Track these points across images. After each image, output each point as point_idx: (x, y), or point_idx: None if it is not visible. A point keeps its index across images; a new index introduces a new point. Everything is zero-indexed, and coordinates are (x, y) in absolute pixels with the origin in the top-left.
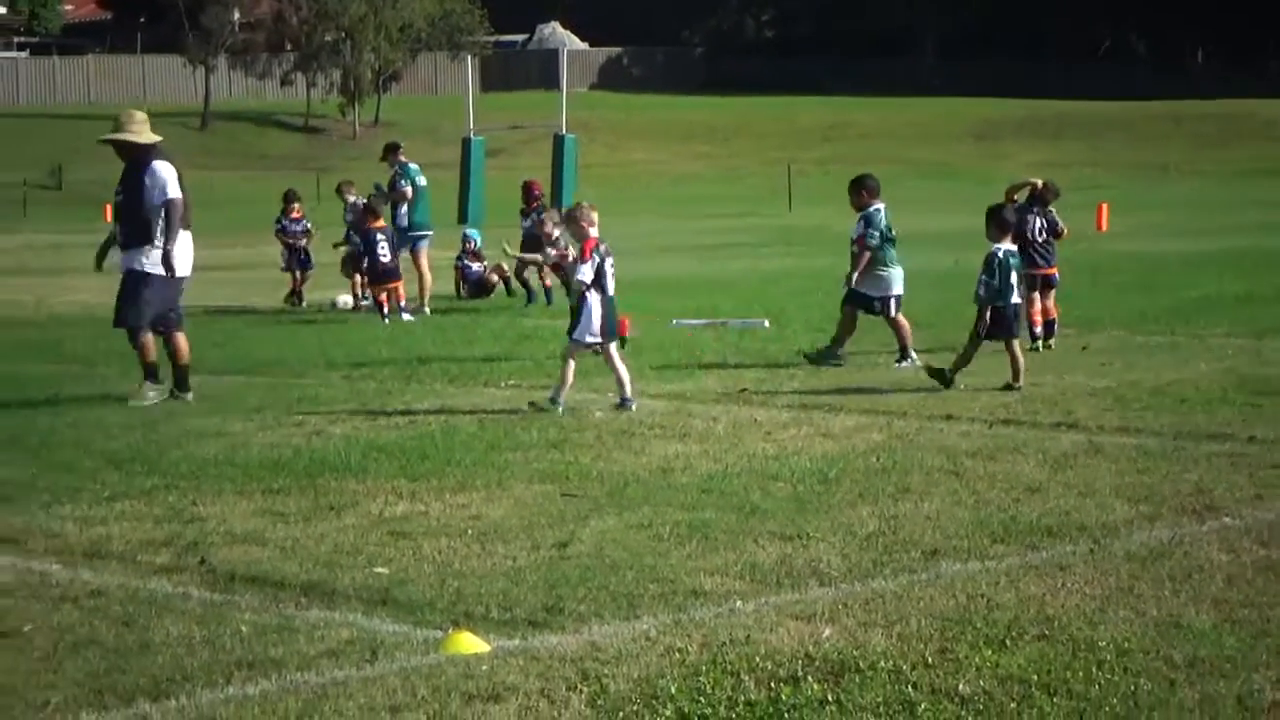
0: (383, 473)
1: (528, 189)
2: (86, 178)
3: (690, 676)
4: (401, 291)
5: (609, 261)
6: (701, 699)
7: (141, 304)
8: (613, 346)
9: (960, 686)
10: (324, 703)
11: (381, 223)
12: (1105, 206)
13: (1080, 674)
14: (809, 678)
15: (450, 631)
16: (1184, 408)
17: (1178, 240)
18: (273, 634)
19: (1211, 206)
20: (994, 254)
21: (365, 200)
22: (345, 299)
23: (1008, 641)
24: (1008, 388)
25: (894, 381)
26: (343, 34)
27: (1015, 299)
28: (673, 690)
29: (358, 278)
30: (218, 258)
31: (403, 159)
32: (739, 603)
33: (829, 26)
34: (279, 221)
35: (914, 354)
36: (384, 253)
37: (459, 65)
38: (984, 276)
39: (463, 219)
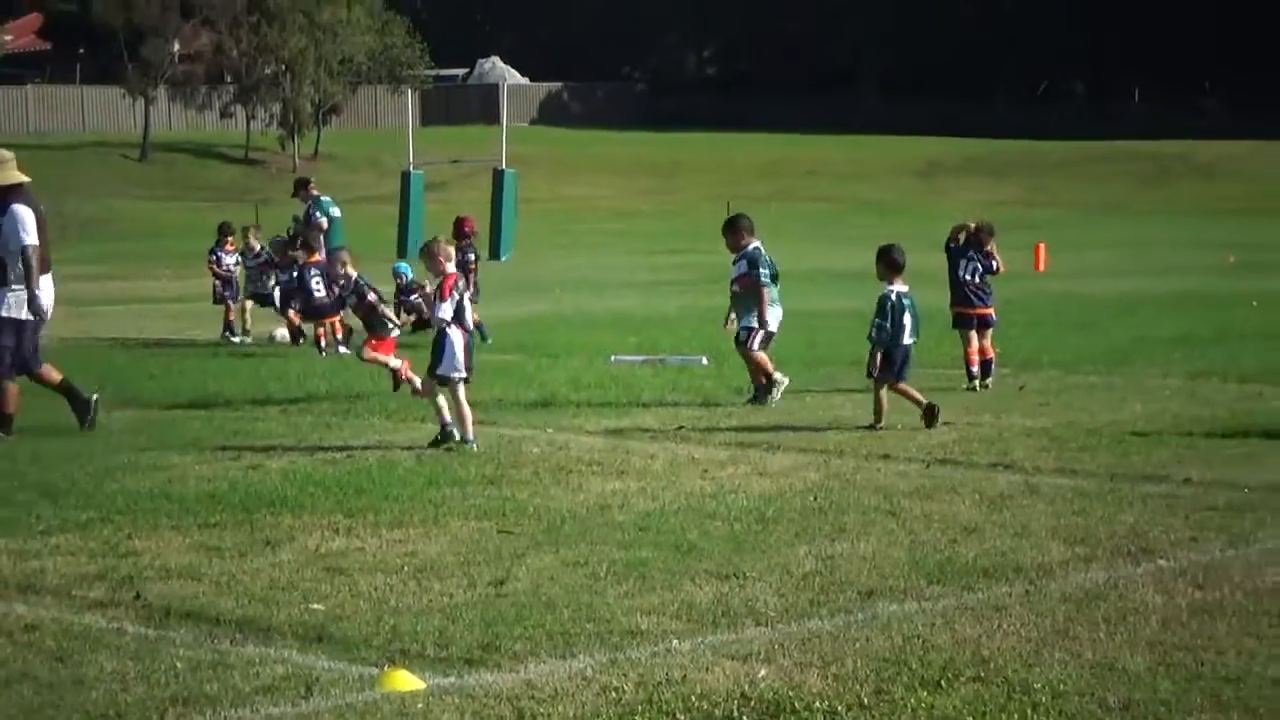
0: (319, 508)
1: (459, 225)
2: None
3: (626, 716)
4: (339, 325)
5: (468, 296)
6: None
7: (2, 350)
8: (461, 386)
9: None
10: None
11: (317, 258)
12: (1043, 246)
13: (1015, 716)
14: (744, 718)
15: (386, 669)
16: (1120, 449)
17: (1116, 280)
18: (207, 670)
19: (1150, 246)
20: (886, 296)
21: (286, 236)
22: (282, 332)
23: (943, 683)
24: (870, 427)
25: (831, 420)
26: (283, 67)
27: (907, 339)
28: None
29: (291, 313)
30: (154, 290)
31: (314, 192)
32: (675, 642)
33: (771, 64)
34: (213, 253)
35: (776, 388)
36: (318, 288)
37: (399, 99)
38: (877, 319)
39: (402, 253)
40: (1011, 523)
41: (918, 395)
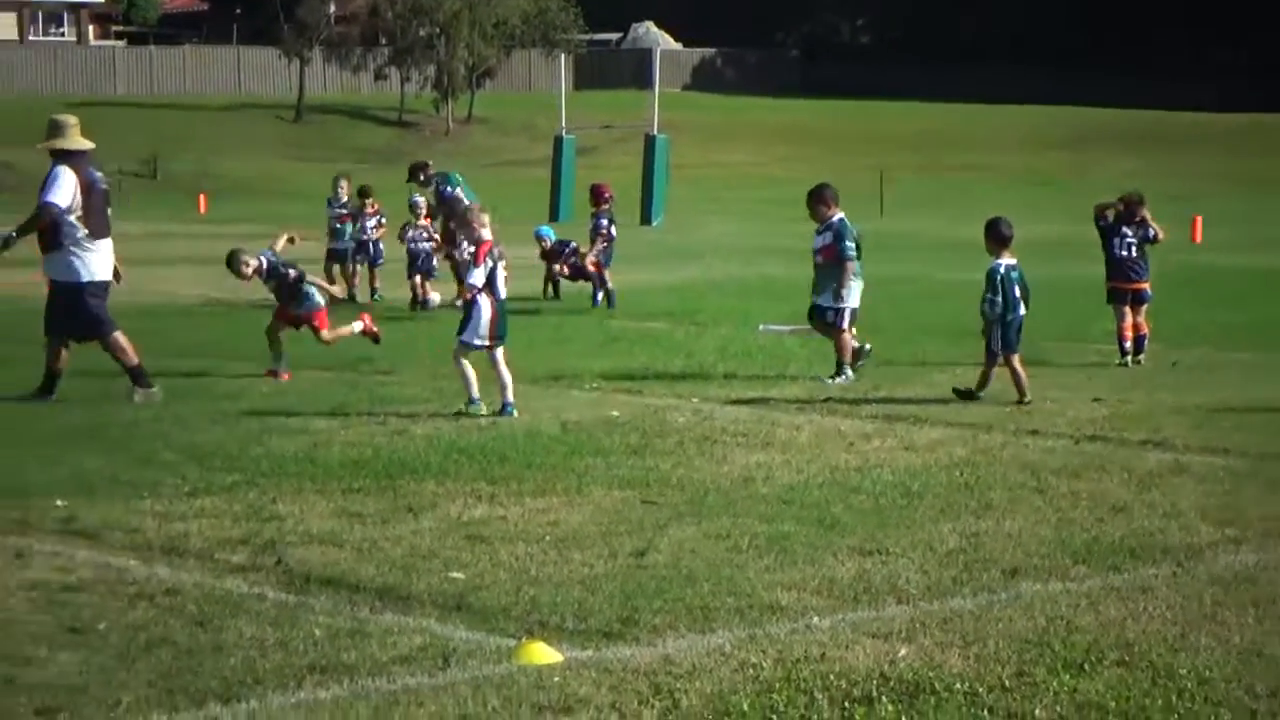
0: (462, 475)
1: (596, 191)
2: (182, 168)
3: (763, 693)
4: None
5: (501, 265)
6: (774, 716)
7: (91, 312)
8: (499, 351)
9: (1037, 712)
10: (394, 710)
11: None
12: (1200, 219)
13: (1159, 703)
14: (883, 698)
15: (523, 641)
16: (1273, 428)
17: (1273, 254)
18: (345, 638)
19: None
20: (994, 269)
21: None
22: (435, 297)
23: (1086, 666)
24: (1019, 403)
25: (985, 393)
26: (437, 29)
27: (1021, 312)
28: (745, 707)
29: (418, 279)
30: (308, 250)
31: (432, 172)
32: (815, 619)
33: (923, 33)
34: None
35: (849, 371)
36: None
37: (553, 63)
38: (988, 294)
39: (554, 216)
40: (1160, 502)
41: (1024, 380)
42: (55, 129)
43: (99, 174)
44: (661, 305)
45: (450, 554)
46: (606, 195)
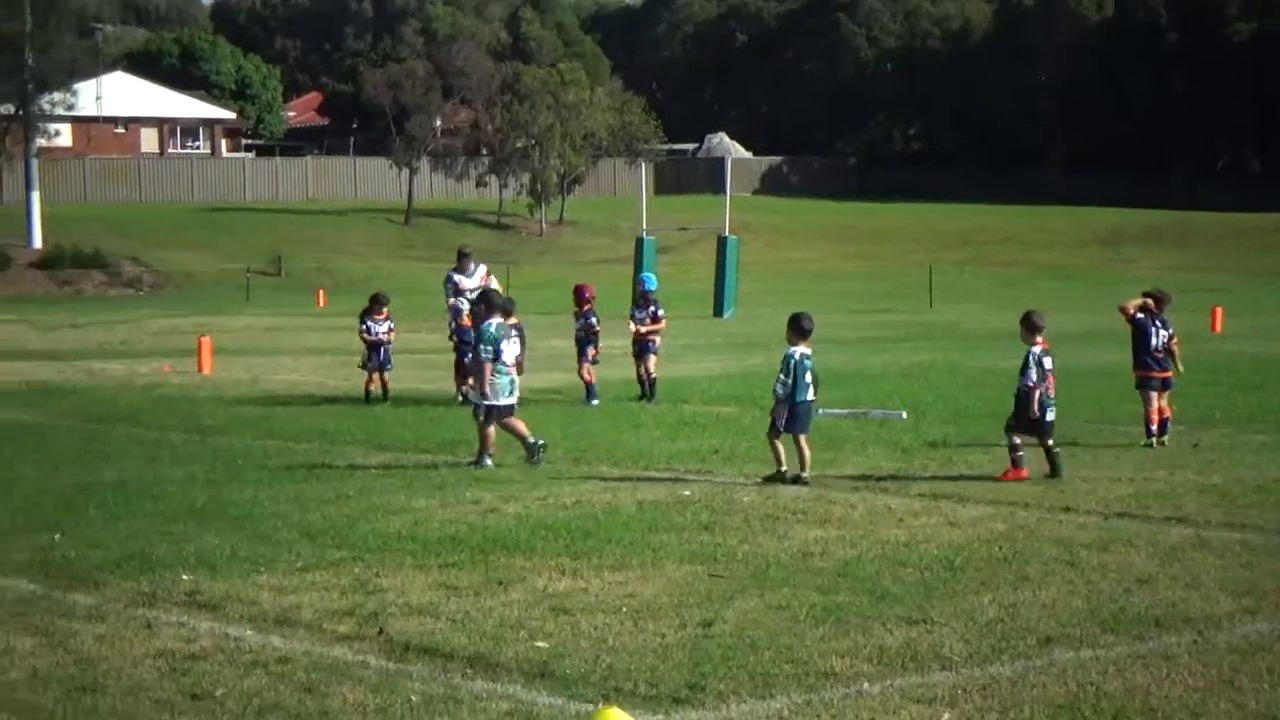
0: (549, 550)
1: (578, 292)
2: (303, 266)
3: None
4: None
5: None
6: None
7: None
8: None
9: None
10: None
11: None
12: (1220, 310)
13: None
14: None
15: (600, 706)
16: None
17: None
18: (440, 704)
19: None
20: (789, 356)
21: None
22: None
23: None
24: (796, 480)
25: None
26: (532, 141)
27: (810, 396)
28: None
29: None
30: (413, 342)
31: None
32: (866, 685)
33: (970, 140)
34: (363, 321)
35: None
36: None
37: (635, 170)
38: (781, 376)
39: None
40: (1182, 574)
41: (808, 458)
42: None
43: None
44: (731, 391)
45: (536, 624)
46: (589, 295)
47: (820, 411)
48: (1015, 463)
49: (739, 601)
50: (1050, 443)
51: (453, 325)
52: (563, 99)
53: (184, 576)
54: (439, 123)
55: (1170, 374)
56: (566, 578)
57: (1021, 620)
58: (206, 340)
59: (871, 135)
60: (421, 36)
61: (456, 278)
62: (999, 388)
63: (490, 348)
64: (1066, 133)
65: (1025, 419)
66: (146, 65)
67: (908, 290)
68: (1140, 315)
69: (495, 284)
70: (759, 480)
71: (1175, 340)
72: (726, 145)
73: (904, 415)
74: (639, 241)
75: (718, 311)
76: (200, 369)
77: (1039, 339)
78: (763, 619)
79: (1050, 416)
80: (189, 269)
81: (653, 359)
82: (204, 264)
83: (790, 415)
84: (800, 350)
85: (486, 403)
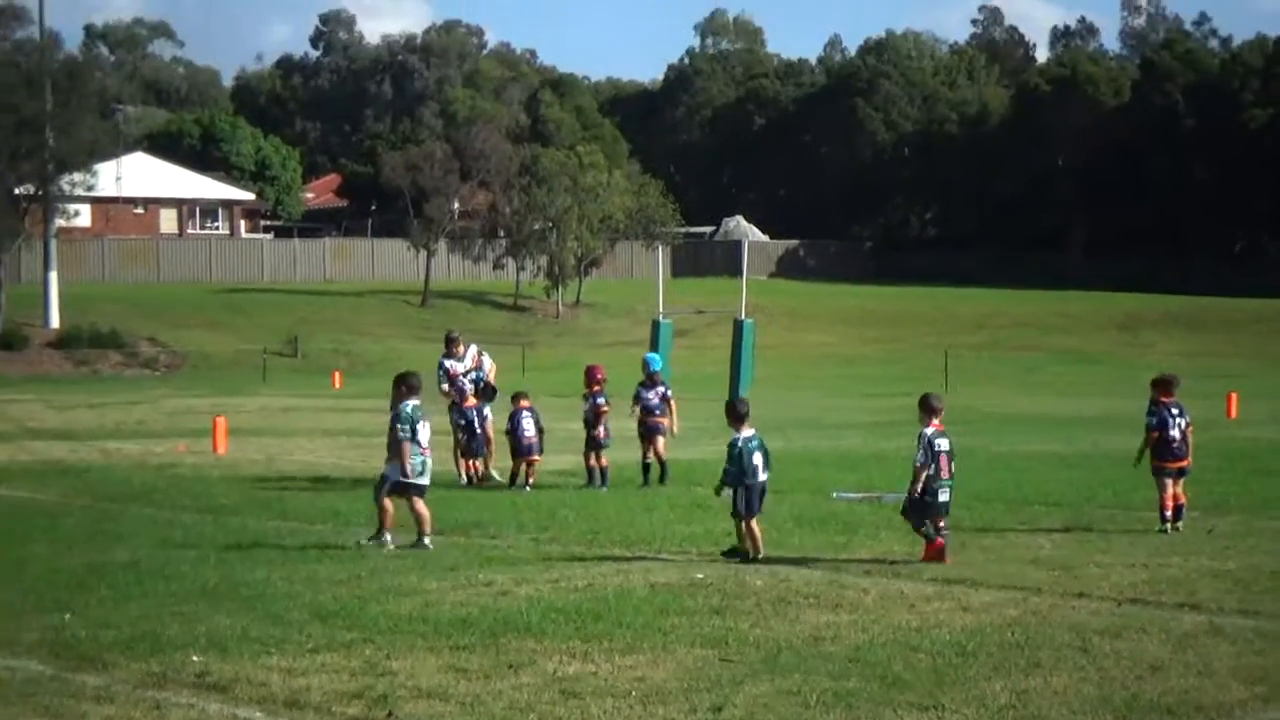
0: (559, 633)
1: (589, 373)
2: (320, 347)
3: None
4: (536, 468)
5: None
6: None
7: None
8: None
9: None
10: None
11: (526, 402)
12: (1235, 395)
13: None
14: None
15: None
16: None
17: None
18: None
19: None
20: (734, 442)
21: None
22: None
23: None
24: (745, 558)
25: (1031, 559)
26: (550, 224)
27: (760, 478)
28: None
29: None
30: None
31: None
32: None
33: (986, 224)
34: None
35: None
36: (528, 430)
37: (652, 253)
38: (727, 465)
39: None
40: (1195, 662)
41: (759, 540)
42: None
43: None
44: None
45: (546, 708)
46: (599, 376)
47: (835, 495)
48: (926, 539)
49: (749, 686)
50: (942, 524)
51: (454, 409)
52: (580, 181)
53: (194, 658)
54: (457, 205)
55: (1186, 462)
56: (577, 661)
57: (1033, 707)
58: (221, 420)
59: (888, 219)
60: (440, 119)
61: (448, 364)
62: (1015, 471)
63: (407, 427)
64: (1084, 217)
65: (913, 499)
66: (167, 146)
67: (924, 374)
68: (1150, 416)
69: (488, 364)
70: (720, 554)
71: (1190, 428)
72: (744, 228)
73: None
74: (655, 324)
75: (733, 395)
76: (215, 449)
77: (935, 421)
78: (773, 704)
79: (944, 498)
80: (206, 349)
81: (661, 440)
82: (221, 345)
83: (746, 498)
84: (743, 434)
85: (403, 480)
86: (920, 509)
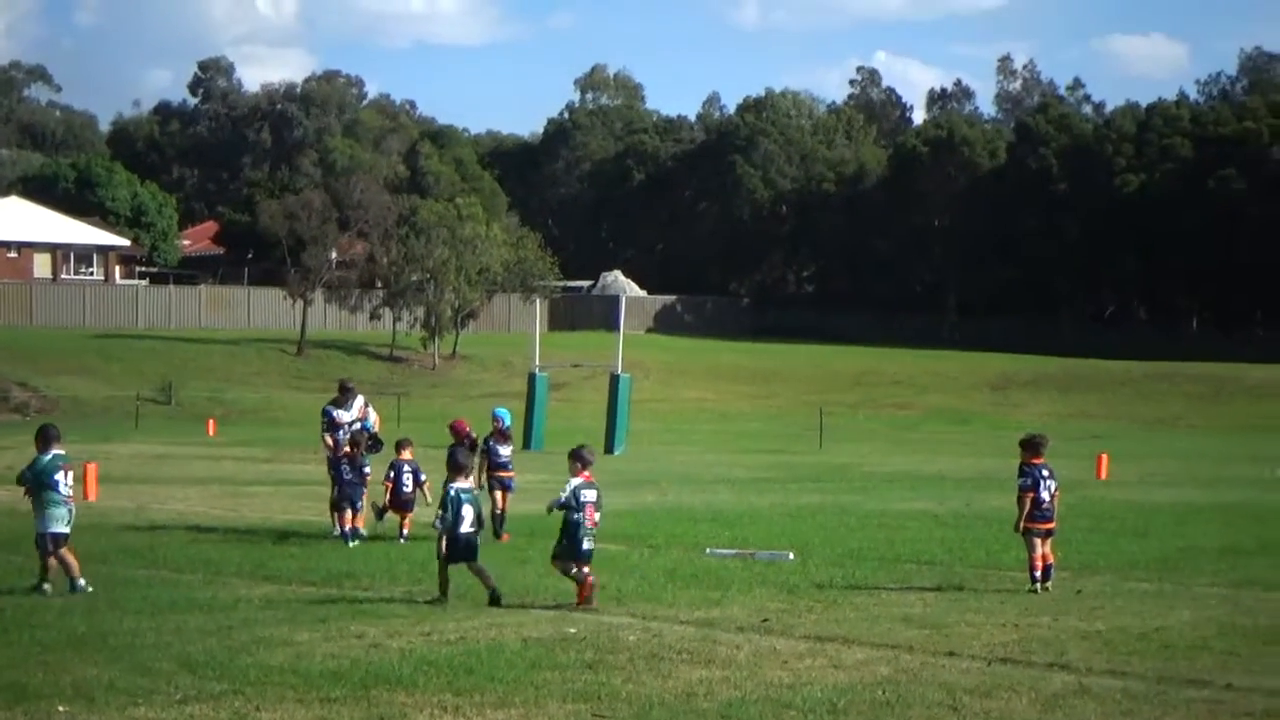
0: (431, 686)
1: (454, 428)
2: (194, 395)
3: None
4: (409, 519)
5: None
6: None
7: None
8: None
9: None
10: None
11: (408, 455)
12: (1105, 456)
13: None
14: None
15: None
16: (1168, 653)
17: (1171, 491)
18: None
19: (1203, 459)
20: (448, 490)
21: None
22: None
23: None
24: (434, 601)
25: (903, 617)
26: (427, 275)
27: (467, 528)
28: None
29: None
30: (304, 473)
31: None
32: None
33: (862, 283)
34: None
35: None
36: (406, 484)
37: (529, 306)
38: (440, 511)
39: (525, 445)
40: None
41: (449, 587)
42: None
43: None
44: (619, 529)
45: None
46: (465, 431)
47: (708, 551)
48: (578, 581)
49: None
50: (586, 569)
51: (330, 458)
52: (459, 233)
53: (60, 708)
54: (334, 254)
55: (1053, 524)
56: (449, 715)
57: None
58: (92, 467)
59: (765, 276)
60: (319, 168)
61: (335, 412)
62: (888, 529)
63: (47, 477)
64: (959, 277)
65: (566, 544)
66: (42, 190)
67: (799, 431)
68: (1023, 478)
69: (374, 415)
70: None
71: (1058, 491)
72: (621, 283)
73: (791, 556)
74: (531, 377)
75: (608, 449)
76: (85, 496)
77: (461, 478)
78: None
79: (587, 546)
80: (78, 395)
81: (508, 495)
82: (94, 390)
83: (450, 546)
84: (457, 485)
85: (50, 530)
86: (568, 554)
